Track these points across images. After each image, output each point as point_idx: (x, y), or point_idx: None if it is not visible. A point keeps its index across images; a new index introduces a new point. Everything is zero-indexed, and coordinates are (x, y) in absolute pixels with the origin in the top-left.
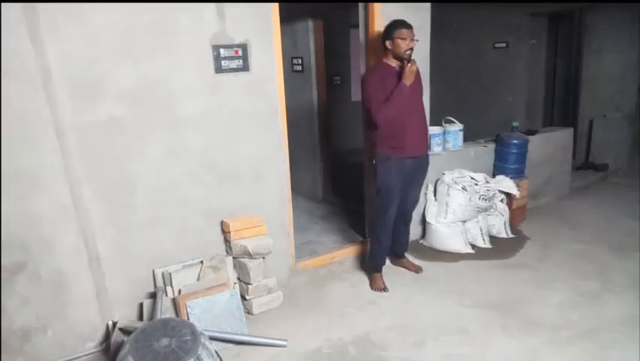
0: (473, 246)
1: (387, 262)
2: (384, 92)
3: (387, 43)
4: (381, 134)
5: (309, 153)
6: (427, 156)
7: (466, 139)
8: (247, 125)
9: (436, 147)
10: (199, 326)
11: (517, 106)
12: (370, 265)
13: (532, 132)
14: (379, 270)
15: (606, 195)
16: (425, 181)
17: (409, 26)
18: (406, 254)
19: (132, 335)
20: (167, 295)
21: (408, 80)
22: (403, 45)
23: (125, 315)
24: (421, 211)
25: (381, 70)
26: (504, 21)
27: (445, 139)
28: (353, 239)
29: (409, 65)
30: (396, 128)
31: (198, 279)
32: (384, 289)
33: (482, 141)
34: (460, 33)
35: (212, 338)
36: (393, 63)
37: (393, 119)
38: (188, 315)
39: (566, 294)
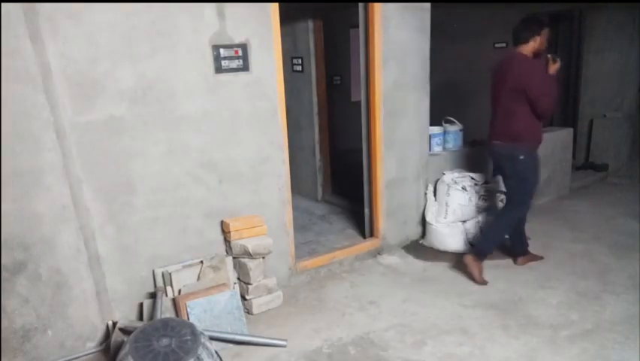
0: (473, 246)
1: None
2: None
3: (537, 38)
4: (528, 127)
5: (309, 153)
6: None
7: (466, 139)
8: (247, 125)
9: (436, 147)
10: (199, 326)
11: None
12: (486, 249)
13: None
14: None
15: (606, 195)
16: (425, 181)
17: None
18: (407, 254)
19: (132, 335)
20: (167, 295)
21: (551, 73)
22: (545, 44)
23: (125, 315)
24: (421, 211)
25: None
26: (504, 21)
27: (445, 139)
28: (353, 239)
29: (558, 59)
30: (536, 119)
31: (198, 279)
32: (484, 282)
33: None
34: (460, 33)
35: (212, 338)
36: (530, 56)
37: (533, 110)
38: (188, 315)
39: (566, 294)
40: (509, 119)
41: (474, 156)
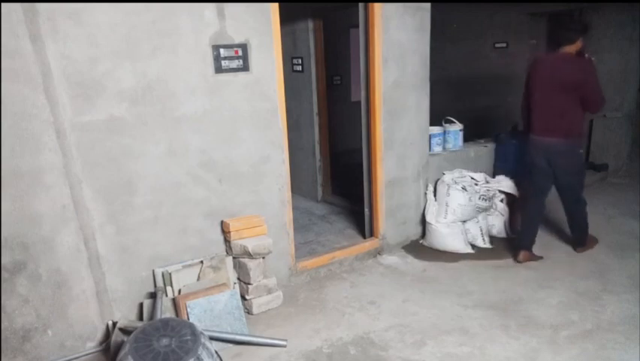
0: (473, 246)
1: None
2: None
3: (582, 39)
4: (580, 122)
5: (309, 153)
6: None
7: (466, 139)
8: (247, 125)
9: (436, 147)
10: (199, 326)
11: (517, 106)
12: (586, 235)
13: None
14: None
15: (606, 195)
16: (425, 181)
17: None
18: (407, 254)
19: (132, 335)
20: (167, 295)
21: None
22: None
23: (125, 315)
24: (421, 211)
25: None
26: (504, 21)
27: (445, 139)
28: (353, 239)
29: (593, 58)
30: (582, 115)
31: (198, 279)
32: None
33: (482, 141)
34: (460, 33)
35: (212, 338)
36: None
37: (586, 106)
38: (188, 315)
39: (566, 294)
40: (565, 116)
41: (474, 156)
